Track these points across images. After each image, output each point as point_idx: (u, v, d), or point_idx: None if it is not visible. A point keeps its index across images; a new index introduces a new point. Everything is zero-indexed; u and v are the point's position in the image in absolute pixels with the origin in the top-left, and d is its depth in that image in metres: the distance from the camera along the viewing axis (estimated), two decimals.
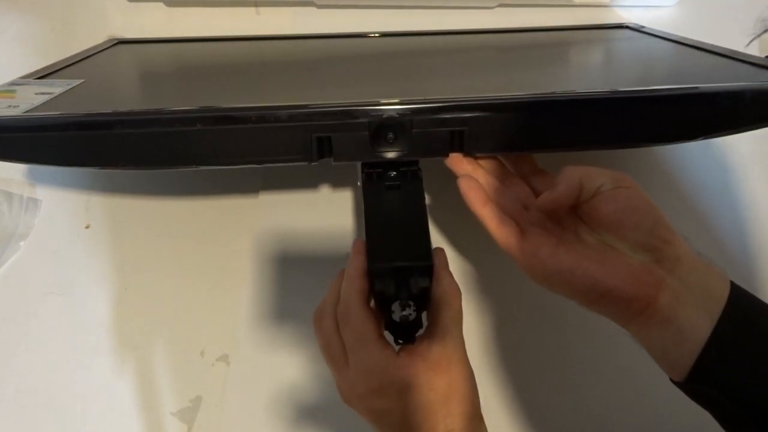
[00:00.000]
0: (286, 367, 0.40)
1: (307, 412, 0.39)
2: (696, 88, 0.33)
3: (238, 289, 0.44)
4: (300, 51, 0.53)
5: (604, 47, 0.53)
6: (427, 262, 0.29)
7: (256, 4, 0.64)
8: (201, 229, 0.47)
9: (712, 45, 0.44)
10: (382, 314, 0.28)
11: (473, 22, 0.60)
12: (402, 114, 0.30)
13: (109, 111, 0.31)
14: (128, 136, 0.31)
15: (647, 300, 0.28)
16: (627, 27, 0.55)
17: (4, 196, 0.47)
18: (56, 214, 0.48)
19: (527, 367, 0.40)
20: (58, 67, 0.44)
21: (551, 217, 0.33)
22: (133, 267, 0.45)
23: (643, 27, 0.54)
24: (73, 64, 0.45)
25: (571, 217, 0.32)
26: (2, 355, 0.41)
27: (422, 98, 0.31)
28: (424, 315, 0.30)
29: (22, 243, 0.46)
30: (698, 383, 0.27)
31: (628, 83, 0.38)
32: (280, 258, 0.45)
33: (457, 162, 0.35)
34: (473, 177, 0.34)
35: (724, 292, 0.28)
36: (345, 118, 0.31)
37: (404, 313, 0.28)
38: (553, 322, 0.41)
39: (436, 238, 0.45)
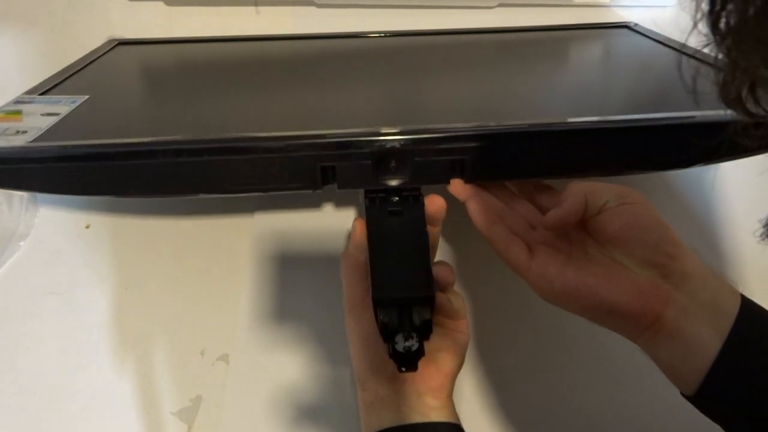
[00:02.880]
0: (286, 367, 0.40)
1: (307, 411, 0.39)
2: (692, 117, 0.33)
3: (238, 288, 0.44)
4: (300, 55, 0.53)
5: (601, 53, 0.53)
6: (429, 293, 0.29)
7: (256, 4, 0.64)
8: (201, 229, 0.47)
9: (706, 54, 0.44)
10: (385, 342, 0.29)
11: (473, 22, 0.60)
12: (404, 144, 0.31)
13: (117, 142, 0.31)
14: (136, 167, 0.32)
15: (654, 315, 0.28)
16: (627, 27, 0.55)
17: (4, 196, 0.47)
18: (56, 214, 0.48)
19: (524, 367, 0.40)
20: (62, 78, 0.43)
21: (559, 234, 0.33)
22: (133, 267, 0.45)
23: (642, 28, 0.54)
24: (76, 72, 0.45)
25: (579, 232, 0.32)
26: (2, 355, 0.41)
27: (423, 127, 0.31)
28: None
29: (22, 243, 0.46)
30: (708, 398, 0.27)
31: (623, 102, 0.39)
32: (280, 257, 0.45)
33: (460, 189, 0.35)
34: (481, 197, 0.34)
35: (734, 307, 0.27)
36: (349, 148, 0.31)
37: (407, 344, 0.29)
38: (551, 321, 0.41)
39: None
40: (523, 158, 0.34)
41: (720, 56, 0.18)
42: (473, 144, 0.32)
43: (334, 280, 0.43)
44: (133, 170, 0.32)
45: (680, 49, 0.47)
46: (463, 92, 0.42)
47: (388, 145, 0.31)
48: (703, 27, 0.18)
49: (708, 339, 0.27)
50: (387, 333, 0.29)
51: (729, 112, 0.19)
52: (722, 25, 0.17)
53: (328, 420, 0.38)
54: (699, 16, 0.18)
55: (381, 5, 0.63)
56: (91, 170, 0.32)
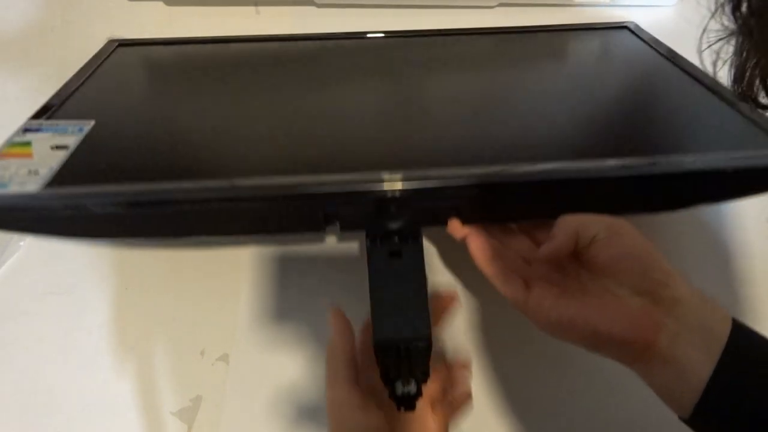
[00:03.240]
0: (286, 367, 0.40)
1: (307, 411, 0.39)
2: (681, 163, 0.33)
3: (238, 288, 0.44)
4: (300, 60, 0.52)
5: (597, 61, 0.52)
6: (426, 337, 0.30)
7: (256, 4, 0.64)
8: None
9: (696, 68, 0.45)
10: (385, 384, 0.31)
11: (473, 22, 0.60)
12: (404, 193, 0.32)
13: (128, 191, 0.32)
14: (146, 214, 0.32)
15: (646, 343, 0.29)
16: (626, 28, 0.55)
17: None
18: None
19: (526, 372, 0.40)
20: (67, 93, 0.43)
21: (554, 266, 0.34)
22: (133, 267, 0.45)
23: (641, 31, 0.54)
24: (80, 85, 0.44)
25: (573, 263, 0.34)
26: (2, 355, 0.41)
27: (423, 175, 0.32)
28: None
29: (22, 243, 0.46)
30: (702, 422, 0.28)
31: (608, 116, 0.41)
32: (280, 257, 0.45)
33: (458, 229, 0.36)
34: (481, 234, 0.36)
35: (725, 330, 0.28)
36: (351, 197, 0.33)
37: (405, 389, 0.30)
38: None
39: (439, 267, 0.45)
40: (520, 204, 0.36)
41: (740, 41, 0.18)
42: (471, 193, 0.33)
43: (334, 280, 0.43)
44: (142, 217, 0.33)
45: (671, 59, 0.48)
46: (464, 123, 0.41)
47: (389, 195, 0.32)
48: (716, 21, 0.18)
49: (699, 363, 0.28)
50: (386, 377, 0.30)
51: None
52: (744, 8, 0.17)
53: (327, 420, 0.38)
54: (719, 2, 0.18)
55: (381, 5, 0.63)
56: (102, 218, 0.33)
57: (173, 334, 0.42)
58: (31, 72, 0.57)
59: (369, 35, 0.55)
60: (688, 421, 0.28)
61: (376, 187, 0.32)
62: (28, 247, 0.46)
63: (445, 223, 0.36)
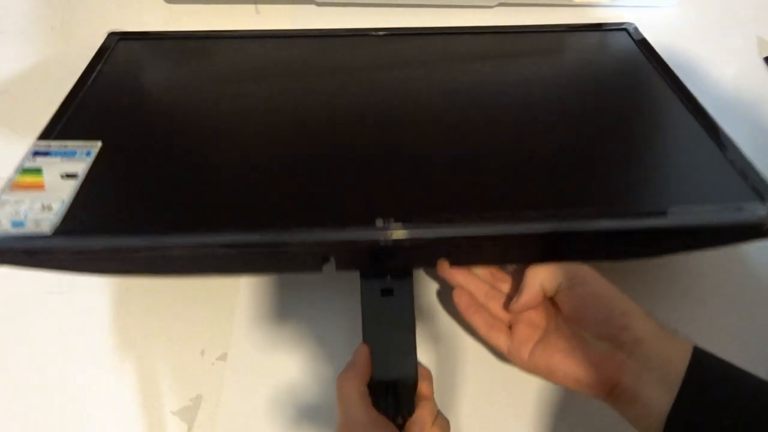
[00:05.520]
0: (286, 367, 0.40)
1: (306, 411, 0.39)
2: (664, 219, 0.34)
3: (237, 287, 0.44)
4: (299, 53, 0.52)
5: (588, 67, 0.51)
6: (412, 377, 0.34)
7: (255, 3, 0.64)
8: None
9: (683, 87, 0.45)
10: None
11: (473, 22, 0.60)
12: (397, 243, 0.33)
13: (141, 243, 0.33)
14: (157, 257, 0.34)
15: (611, 384, 0.32)
16: (624, 30, 0.55)
17: None
18: None
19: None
20: (71, 104, 0.43)
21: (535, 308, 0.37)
22: None
23: (638, 34, 0.53)
24: (85, 91, 0.44)
25: (552, 305, 0.37)
26: (2, 355, 0.41)
27: (415, 227, 0.34)
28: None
29: None
30: None
31: (592, 124, 0.43)
32: None
33: (449, 273, 0.38)
34: (465, 290, 0.38)
35: (683, 364, 0.30)
36: (347, 246, 0.34)
37: (397, 423, 0.33)
38: None
39: None
40: (506, 251, 0.37)
41: None
42: (461, 243, 0.35)
43: (334, 279, 0.43)
44: (154, 259, 0.34)
45: (660, 70, 0.47)
46: (458, 163, 0.40)
47: (382, 244, 0.33)
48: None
49: (660, 399, 0.30)
50: (378, 408, 0.32)
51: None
52: None
53: (327, 420, 0.38)
54: None
55: (381, 4, 0.63)
56: (112, 258, 0.34)
57: (173, 334, 0.42)
58: (31, 72, 0.57)
59: (368, 33, 0.55)
60: None
61: (371, 236, 0.34)
62: None
63: (434, 265, 0.38)
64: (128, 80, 0.49)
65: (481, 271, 0.39)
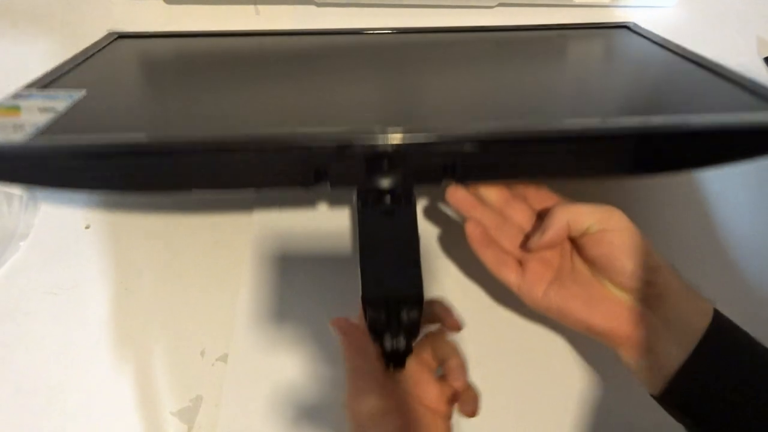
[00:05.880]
0: (286, 367, 0.40)
1: (306, 411, 0.39)
2: (687, 124, 0.32)
3: (237, 288, 0.44)
4: (299, 51, 0.53)
5: (599, 54, 0.52)
6: (417, 292, 0.29)
7: (255, 3, 0.64)
8: (201, 229, 0.47)
9: (705, 59, 0.44)
10: (374, 341, 0.30)
11: (473, 22, 0.60)
12: (396, 147, 0.31)
13: (110, 142, 0.31)
14: (130, 164, 0.32)
15: (625, 335, 0.32)
16: (626, 27, 0.55)
17: (4, 196, 0.47)
18: (56, 214, 0.48)
19: (522, 369, 0.40)
20: (61, 72, 0.43)
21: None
22: (133, 267, 0.45)
23: (641, 29, 0.54)
24: (75, 67, 0.44)
25: (569, 244, 0.35)
26: (2, 355, 0.41)
27: (416, 131, 0.31)
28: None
29: (22, 243, 0.46)
30: (668, 404, 0.31)
31: (615, 104, 0.39)
32: (280, 257, 0.45)
33: (459, 201, 0.36)
34: (477, 222, 0.36)
35: (703, 325, 0.30)
36: (342, 150, 0.31)
37: (395, 345, 0.29)
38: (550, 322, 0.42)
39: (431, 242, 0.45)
40: (517, 162, 0.34)
41: None
42: (465, 148, 0.32)
43: (334, 279, 0.43)
44: (127, 167, 0.32)
45: (679, 52, 0.47)
46: (458, 90, 0.41)
47: (380, 149, 0.31)
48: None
49: (673, 356, 0.30)
50: (375, 331, 0.29)
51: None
52: None
53: (327, 420, 0.38)
54: None
55: (381, 4, 0.63)
56: (85, 167, 0.32)
57: (173, 334, 0.42)
58: (31, 72, 0.57)
59: (368, 32, 0.55)
60: (656, 398, 0.31)
61: (369, 140, 0.31)
62: (28, 247, 0.46)
63: (438, 181, 0.34)
64: (121, 62, 0.49)
65: (494, 195, 0.36)
